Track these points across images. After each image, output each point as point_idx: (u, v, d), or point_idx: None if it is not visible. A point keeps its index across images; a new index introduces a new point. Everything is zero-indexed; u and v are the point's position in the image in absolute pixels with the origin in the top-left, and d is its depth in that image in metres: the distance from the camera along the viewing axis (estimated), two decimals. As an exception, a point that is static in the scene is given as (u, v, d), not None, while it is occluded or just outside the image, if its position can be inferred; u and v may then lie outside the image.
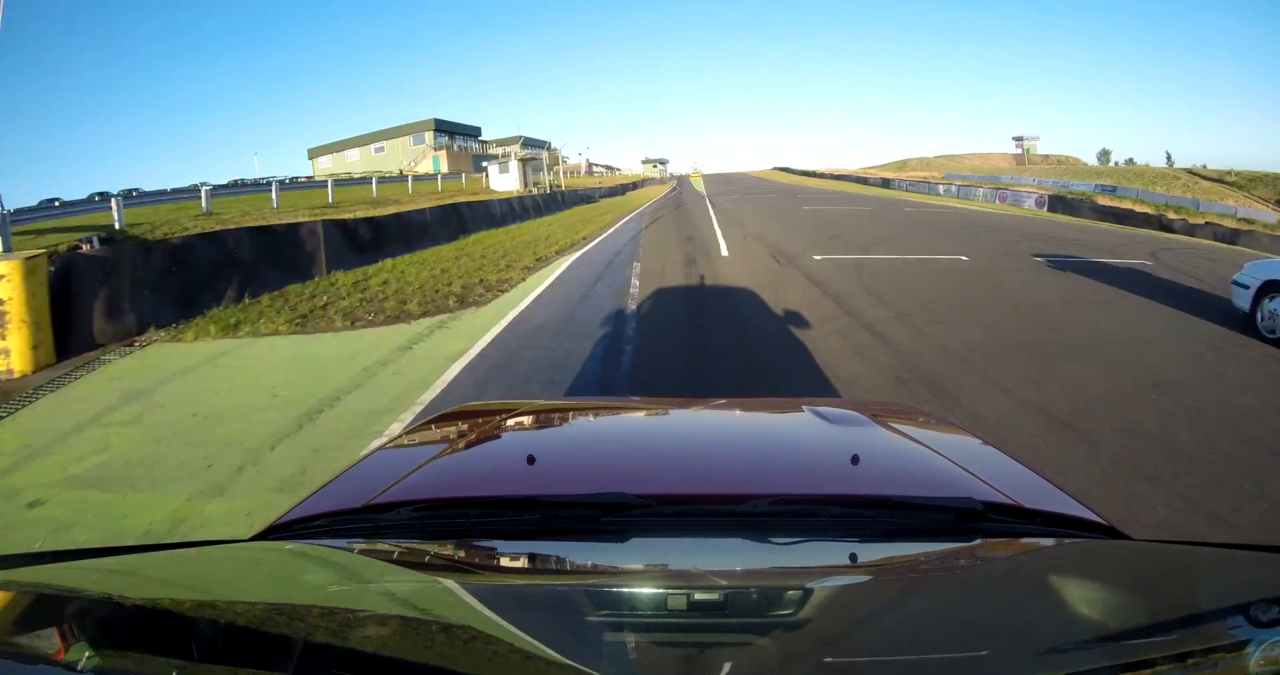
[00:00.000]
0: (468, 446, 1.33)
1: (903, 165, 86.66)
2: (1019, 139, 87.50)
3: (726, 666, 0.63)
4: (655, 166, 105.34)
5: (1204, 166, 55.45)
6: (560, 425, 1.56)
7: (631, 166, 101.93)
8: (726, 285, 8.69)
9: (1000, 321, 6.71)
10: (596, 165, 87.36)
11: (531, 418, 1.56)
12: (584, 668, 0.58)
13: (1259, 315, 6.29)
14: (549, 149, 47.69)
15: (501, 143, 58.25)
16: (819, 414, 1.44)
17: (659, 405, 1.62)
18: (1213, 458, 3.58)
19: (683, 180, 75.32)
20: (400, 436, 1.46)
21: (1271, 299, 6.24)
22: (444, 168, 52.61)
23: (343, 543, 0.92)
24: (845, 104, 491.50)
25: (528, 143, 57.95)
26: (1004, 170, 64.74)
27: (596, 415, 1.64)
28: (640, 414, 1.58)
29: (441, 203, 15.97)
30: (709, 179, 76.85)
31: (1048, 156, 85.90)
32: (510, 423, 1.47)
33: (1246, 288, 6.53)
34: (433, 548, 0.90)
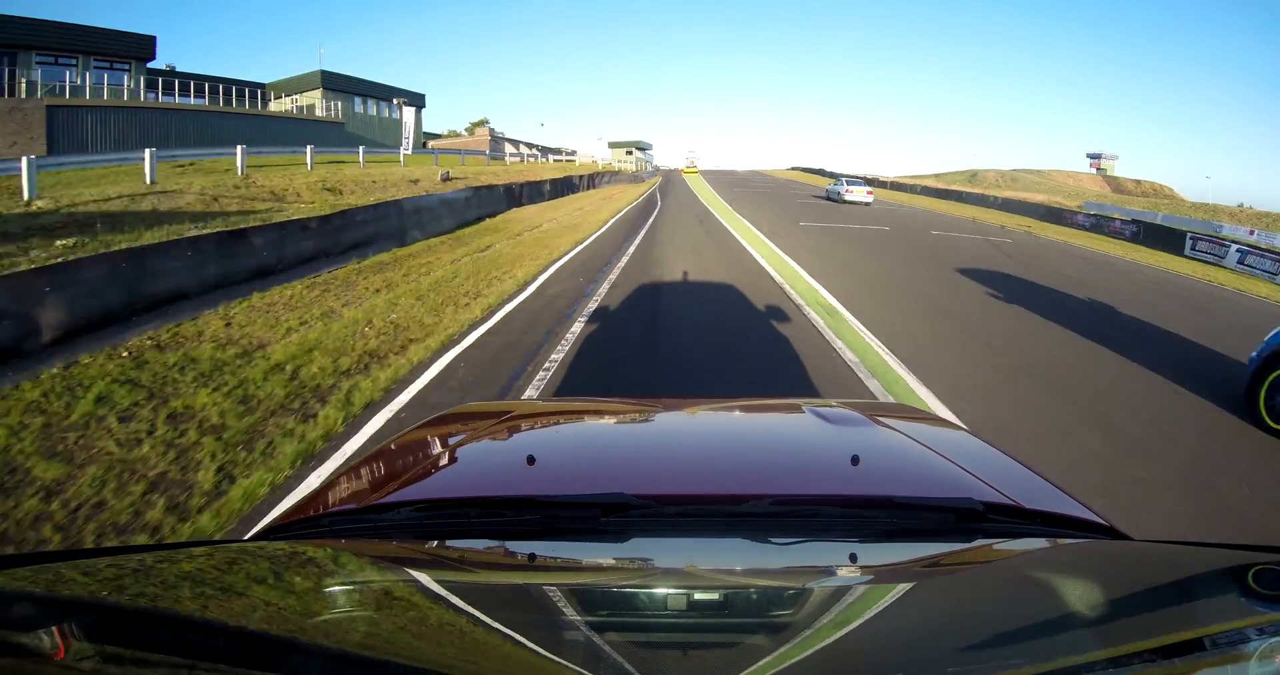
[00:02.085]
0: (468, 447, 1.33)
1: (973, 177, 65.96)
2: (1095, 157, 72.23)
3: (727, 667, 0.63)
4: (630, 153, 67.58)
5: None
6: (560, 425, 1.56)
7: (597, 152, 58.30)
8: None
9: None
10: (522, 145, 49.76)
11: (531, 418, 1.56)
12: (584, 669, 0.58)
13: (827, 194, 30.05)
14: (407, 106, 23.87)
15: (282, 88, 32.57)
16: (819, 414, 1.44)
17: (659, 405, 1.62)
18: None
19: (671, 179, 48.09)
20: (400, 436, 1.47)
21: (828, 191, 30.02)
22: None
23: (343, 543, 0.92)
24: (872, 99, 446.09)
25: (339, 86, 32.92)
26: (1103, 196, 47.95)
27: (596, 415, 1.64)
28: (640, 414, 1.58)
29: None
30: (719, 180, 47.79)
31: (1139, 182, 68.67)
32: (510, 423, 1.47)
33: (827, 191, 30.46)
34: (433, 548, 0.90)
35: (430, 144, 41.11)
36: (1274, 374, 4.56)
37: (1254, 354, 4.86)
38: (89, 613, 0.67)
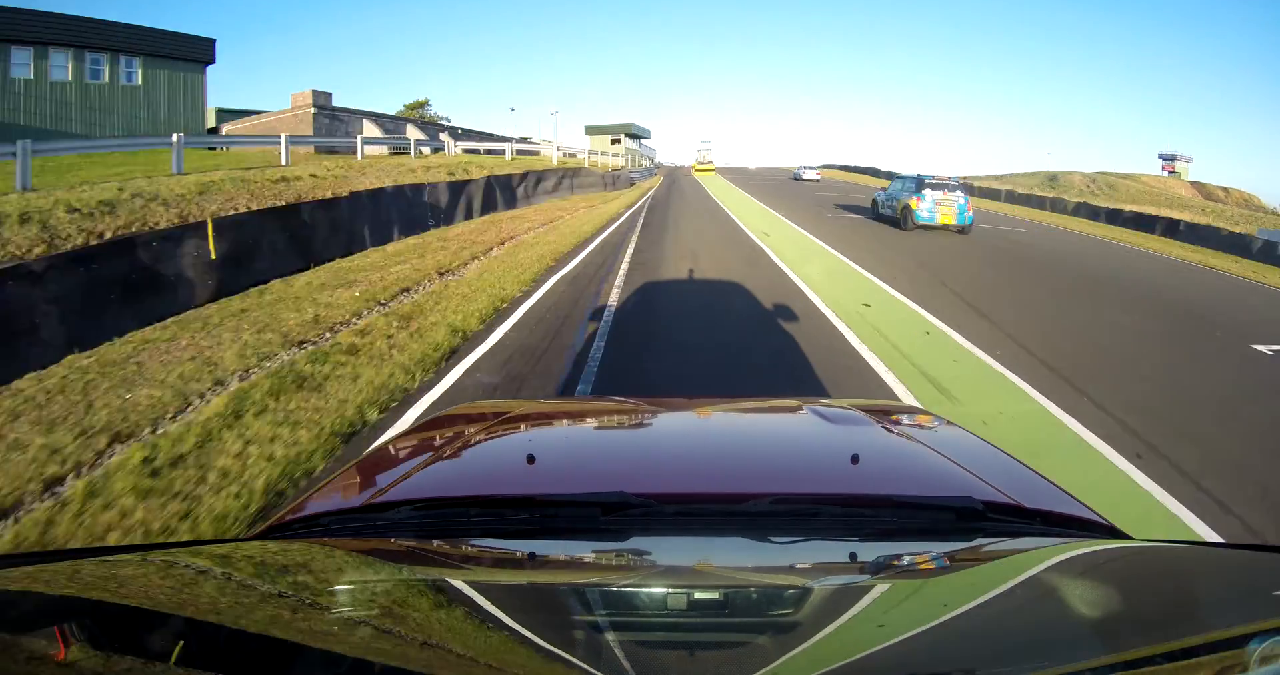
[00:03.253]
0: (468, 446, 1.33)
1: (1053, 181, 50.38)
2: (1169, 159, 60.71)
3: (726, 666, 0.63)
4: (618, 141, 48.37)
5: None
6: (560, 425, 1.56)
7: (572, 142, 38.59)
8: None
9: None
10: (412, 127, 26.61)
11: (531, 418, 1.56)
12: (584, 667, 0.58)
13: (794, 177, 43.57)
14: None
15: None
16: (819, 414, 1.44)
17: (659, 405, 1.62)
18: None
19: (677, 185, 32.37)
20: (400, 436, 1.47)
21: (794, 174, 43.82)
22: None
23: (343, 542, 0.92)
24: (923, 94, 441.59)
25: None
26: (1204, 208, 31.37)
27: (596, 415, 1.65)
28: (640, 414, 1.58)
29: None
30: (759, 186, 32.54)
31: (1228, 190, 56.38)
32: (510, 422, 1.47)
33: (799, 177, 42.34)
34: (433, 547, 0.90)
35: (227, 128, 23.10)
36: (874, 202, 17.64)
37: (873, 198, 18.21)
38: (89, 613, 0.67)
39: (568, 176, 20.97)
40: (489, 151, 23.36)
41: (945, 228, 14.73)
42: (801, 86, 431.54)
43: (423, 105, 43.82)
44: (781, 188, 31.42)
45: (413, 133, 24.37)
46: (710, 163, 51.31)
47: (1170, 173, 60.75)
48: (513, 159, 21.53)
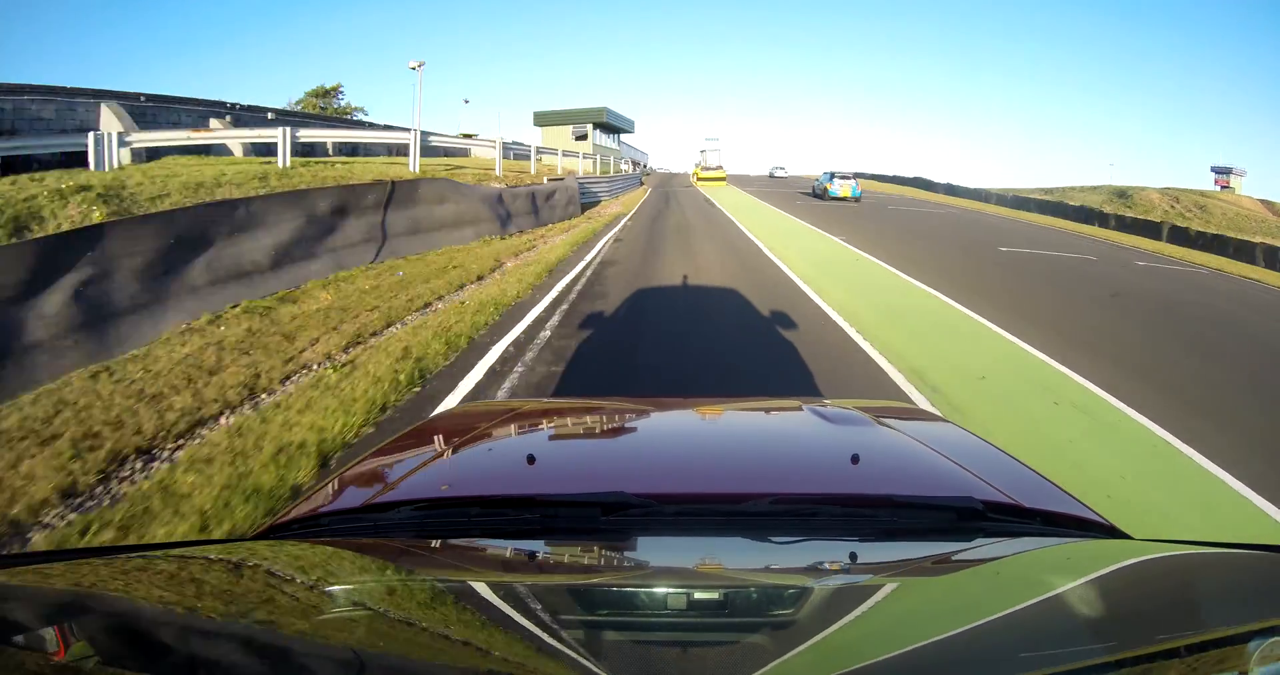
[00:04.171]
0: (468, 446, 1.33)
1: (1122, 197, 43.63)
2: (1223, 172, 53.97)
3: (726, 666, 0.63)
4: (583, 138, 36.55)
5: None
6: (560, 425, 1.56)
7: (524, 136, 28.75)
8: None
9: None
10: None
11: (531, 417, 1.56)
12: (584, 667, 0.58)
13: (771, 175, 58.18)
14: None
15: None
16: (819, 414, 1.44)
17: (659, 405, 1.62)
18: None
19: (670, 199, 23.38)
20: (401, 436, 1.47)
21: (770, 173, 59.67)
22: None
23: (343, 542, 0.92)
24: (931, 95, 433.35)
25: None
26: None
27: (596, 415, 1.65)
28: (640, 414, 1.58)
29: None
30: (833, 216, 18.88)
31: None
32: (510, 423, 1.47)
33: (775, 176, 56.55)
34: (433, 547, 0.90)
35: None
36: (813, 187, 30.15)
37: (812, 185, 31.31)
38: (89, 613, 0.67)
39: (372, 208, 8.16)
40: (363, 149, 14.26)
41: (844, 199, 26.08)
42: (820, 89, 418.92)
43: (328, 93, 32.54)
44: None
45: (108, 122, 13.75)
46: (719, 167, 39.02)
47: (1224, 187, 54.52)
48: (287, 168, 10.28)
